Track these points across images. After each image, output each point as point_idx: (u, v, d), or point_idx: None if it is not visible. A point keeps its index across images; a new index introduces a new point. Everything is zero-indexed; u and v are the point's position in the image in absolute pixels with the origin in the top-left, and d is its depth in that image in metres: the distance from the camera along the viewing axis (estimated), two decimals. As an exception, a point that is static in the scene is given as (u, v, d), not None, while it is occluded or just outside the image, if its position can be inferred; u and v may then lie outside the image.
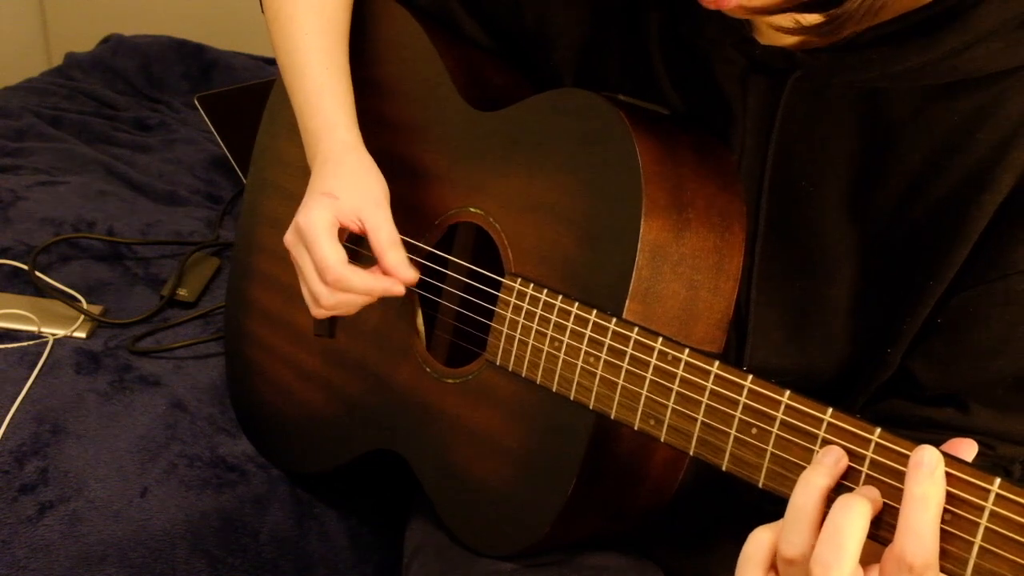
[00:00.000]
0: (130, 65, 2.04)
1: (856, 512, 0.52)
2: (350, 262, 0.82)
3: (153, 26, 2.19)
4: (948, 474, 0.52)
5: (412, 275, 0.83)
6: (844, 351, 0.75)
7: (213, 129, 1.70)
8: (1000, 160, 0.67)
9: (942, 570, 0.52)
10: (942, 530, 0.52)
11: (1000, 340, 0.69)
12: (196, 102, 1.73)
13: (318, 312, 0.86)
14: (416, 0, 0.95)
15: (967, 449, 0.55)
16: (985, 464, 0.72)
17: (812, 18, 0.63)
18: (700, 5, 0.69)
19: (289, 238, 0.86)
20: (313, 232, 0.82)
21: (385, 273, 0.83)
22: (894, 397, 0.75)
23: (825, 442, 0.57)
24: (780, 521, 0.57)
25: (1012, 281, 0.68)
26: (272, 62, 2.13)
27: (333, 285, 0.82)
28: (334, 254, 0.81)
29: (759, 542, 0.57)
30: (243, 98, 1.75)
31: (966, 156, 0.68)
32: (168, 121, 1.90)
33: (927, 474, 0.52)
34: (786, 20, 0.66)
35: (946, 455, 0.52)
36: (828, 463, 0.56)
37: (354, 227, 0.83)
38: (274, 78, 1.07)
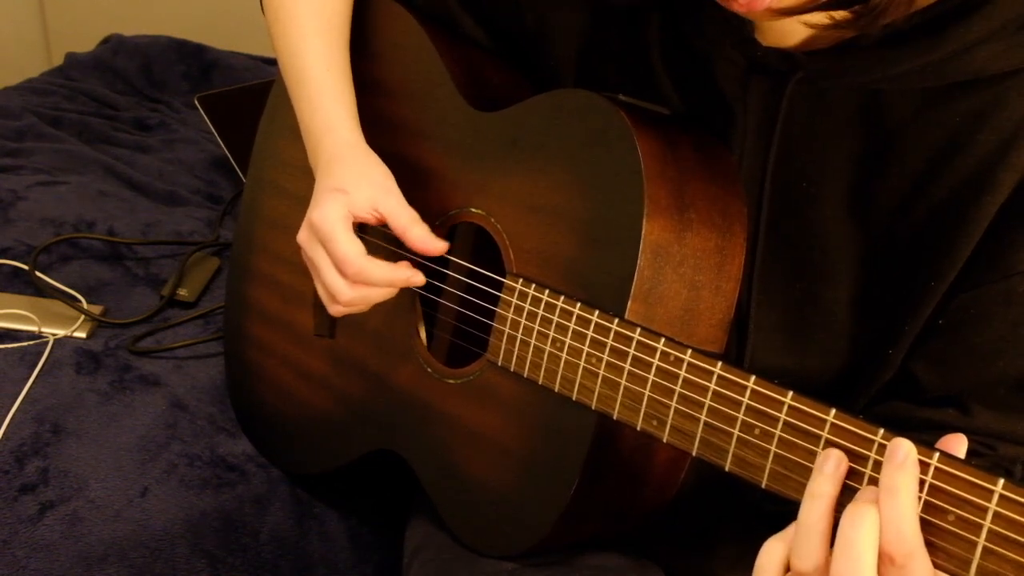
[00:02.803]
0: (130, 65, 2.04)
1: (867, 522, 0.52)
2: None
3: (153, 26, 2.19)
4: (951, 475, 0.52)
5: (439, 246, 0.83)
6: (845, 352, 0.75)
7: (213, 129, 1.70)
8: (1001, 161, 0.67)
9: (945, 571, 0.52)
10: (946, 530, 0.52)
11: (1001, 341, 0.69)
12: (196, 102, 1.73)
13: (335, 309, 0.85)
14: (415, 0, 0.95)
15: (958, 444, 0.55)
16: (986, 464, 0.73)
17: (840, 14, 0.63)
18: (700, 5, 0.69)
19: (303, 236, 0.85)
20: (328, 227, 0.82)
21: (412, 249, 0.83)
22: (894, 399, 0.75)
23: (828, 443, 0.57)
24: (790, 529, 0.56)
25: (1013, 282, 0.68)
26: (272, 62, 2.13)
27: (354, 278, 0.82)
28: (353, 247, 0.81)
29: (772, 553, 0.56)
30: (243, 98, 1.75)
31: (967, 157, 0.68)
32: (168, 121, 1.90)
33: (897, 465, 0.52)
34: (820, 17, 0.66)
35: (945, 455, 0.52)
36: (829, 470, 0.56)
37: (370, 218, 0.83)
38: (274, 78, 1.07)
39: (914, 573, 0.52)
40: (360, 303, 0.84)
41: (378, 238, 0.87)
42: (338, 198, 0.83)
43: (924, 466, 0.52)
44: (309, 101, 0.89)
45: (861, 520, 0.52)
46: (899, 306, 0.72)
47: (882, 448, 0.54)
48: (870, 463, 0.55)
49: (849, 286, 0.73)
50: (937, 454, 0.52)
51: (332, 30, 0.92)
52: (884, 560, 0.52)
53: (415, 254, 0.84)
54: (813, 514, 0.55)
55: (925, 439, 0.54)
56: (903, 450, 0.52)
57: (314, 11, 0.91)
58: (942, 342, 0.71)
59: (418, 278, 0.84)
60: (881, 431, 0.55)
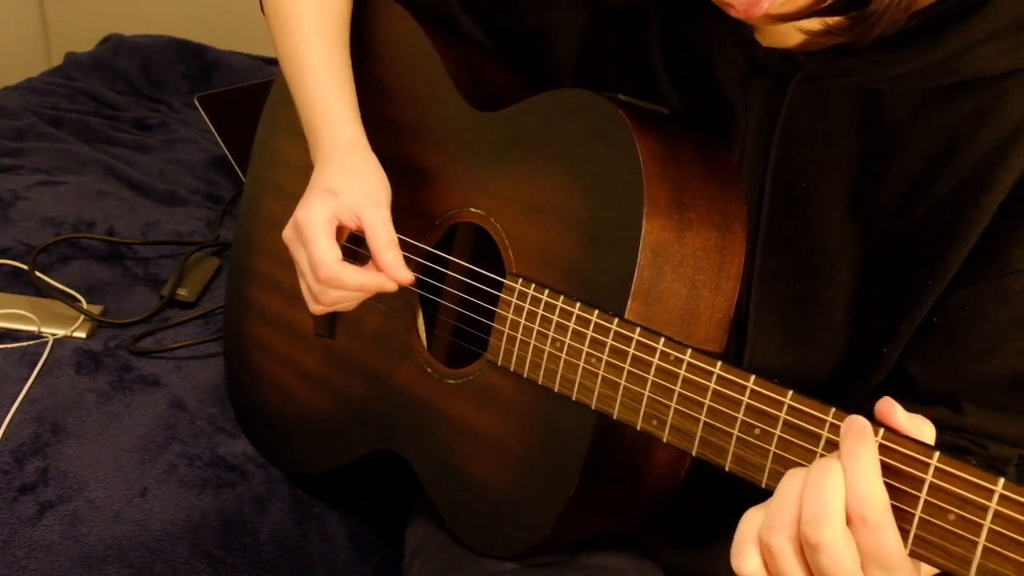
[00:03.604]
0: (130, 65, 2.04)
1: (833, 471, 0.53)
2: (347, 260, 0.82)
3: (153, 26, 2.19)
4: (951, 475, 0.52)
5: (406, 276, 0.83)
6: (842, 351, 0.75)
7: (213, 129, 1.70)
8: (1000, 161, 0.67)
9: (947, 571, 0.52)
10: (946, 530, 0.51)
11: (995, 339, 0.69)
12: (196, 102, 1.73)
13: (316, 308, 0.86)
14: (415, 0, 0.95)
15: (890, 409, 0.56)
16: (978, 464, 0.73)
17: (835, 20, 0.63)
18: (700, 5, 0.69)
19: (287, 234, 0.86)
20: (310, 228, 0.82)
21: (381, 272, 0.83)
22: (888, 396, 0.75)
23: (828, 443, 0.57)
24: (768, 501, 0.57)
25: (1009, 280, 0.68)
26: (272, 62, 2.13)
27: (325, 282, 0.82)
28: (328, 252, 0.81)
29: (752, 520, 0.57)
30: (243, 98, 1.75)
31: (966, 157, 0.68)
32: (168, 121, 1.90)
33: (855, 435, 0.54)
34: (815, 23, 0.66)
35: (945, 455, 0.52)
36: None
37: (352, 225, 0.83)
38: (274, 78, 1.07)
39: (887, 535, 0.53)
40: (339, 304, 0.85)
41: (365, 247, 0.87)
42: (326, 199, 0.83)
43: (924, 466, 0.52)
44: (309, 97, 0.89)
45: (826, 469, 0.54)
46: (897, 305, 0.72)
47: (882, 448, 0.54)
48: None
49: (848, 286, 0.74)
50: (937, 454, 0.52)
51: (332, 28, 0.92)
52: (856, 522, 0.53)
53: (408, 256, 0.84)
54: (791, 492, 0.56)
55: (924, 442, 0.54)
56: (859, 423, 0.54)
57: (314, 10, 0.91)
58: (937, 340, 0.72)
59: (390, 285, 0.83)
60: (881, 431, 0.55)
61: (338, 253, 0.82)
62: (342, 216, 0.83)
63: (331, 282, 0.82)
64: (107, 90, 1.97)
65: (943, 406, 0.73)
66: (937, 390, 0.73)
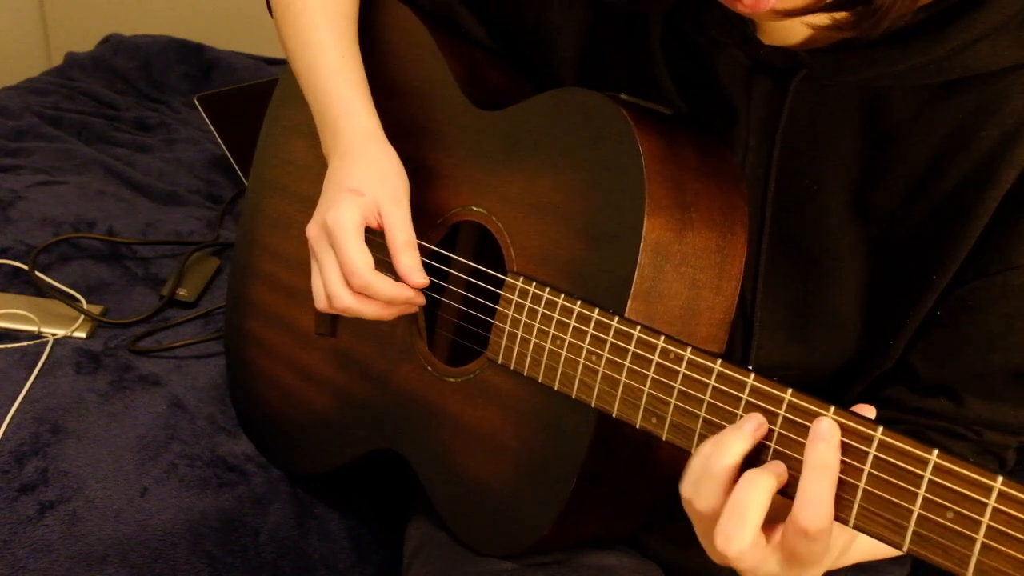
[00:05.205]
0: (130, 65, 2.04)
1: (760, 487, 0.56)
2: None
3: (153, 26, 2.19)
4: (951, 472, 0.52)
5: (421, 280, 0.82)
6: (847, 346, 0.75)
7: (213, 129, 1.70)
8: (1003, 156, 0.67)
9: (946, 569, 0.52)
10: (945, 527, 0.52)
11: (997, 333, 0.70)
12: (196, 102, 1.73)
13: (323, 306, 0.85)
14: (419, 0, 0.95)
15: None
16: (974, 450, 0.73)
17: (842, 15, 0.63)
18: (702, 5, 0.69)
19: (313, 232, 0.84)
20: (342, 232, 0.81)
21: (396, 271, 0.83)
22: (889, 387, 0.76)
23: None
24: (725, 434, 0.60)
25: (1010, 275, 0.68)
26: (272, 62, 2.13)
27: (357, 289, 0.81)
28: (362, 258, 0.80)
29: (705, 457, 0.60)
30: (243, 98, 1.75)
31: (969, 153, 0.68)
32: (168, 121, 1.90)
33: (828, 443, 0.55)
34: (822, 18, 0.66)
35: (943, 452, 0.52)
36: (749, 429, 0.59)
37: (374, 223, 0.83)
38: (274, 78, 1.07)
39: (824, 547, 0.54)
40: (354, 314, 0.83)
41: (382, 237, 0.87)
42: (354, 200, 0.82)
43: (922, 463, 0.53)
44: (324, 89, 0.88)
45: (755, 484, 0.56)
46: (902, 300, 0.72)
47: (881, 445, 0.55)
48: (869, 460, 0.55)
49: (853, 282, 0.74)
50: (936, 451, 0.52)
51: (342, 22, 0.91)
52: (798, 534, 0.55)
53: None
54: (720, 462, 0.58)
55: (918, 423, 0.54)
56: (832, 428, 0.55)
57: (323, 4, 0.91)
58: (940, 333, 0.72)
59: (419, 299, 0.83)
60: (880, 429, 0.55)
61: (371, 260, 0.81)
62: (368, 216, 0.82)
63: (363, 289, 0.81)
64: (107, 90, 1.97)
65: (944, 397, 0.73)
66: (938, 380, 0.74)
